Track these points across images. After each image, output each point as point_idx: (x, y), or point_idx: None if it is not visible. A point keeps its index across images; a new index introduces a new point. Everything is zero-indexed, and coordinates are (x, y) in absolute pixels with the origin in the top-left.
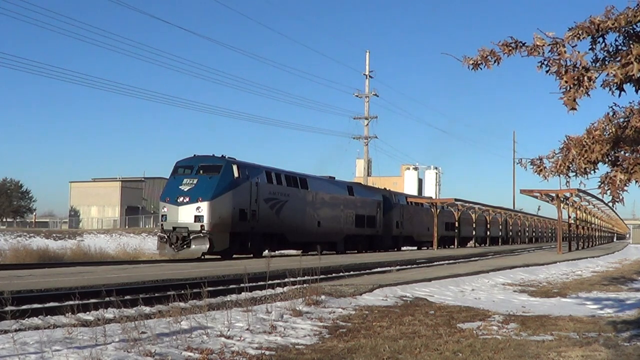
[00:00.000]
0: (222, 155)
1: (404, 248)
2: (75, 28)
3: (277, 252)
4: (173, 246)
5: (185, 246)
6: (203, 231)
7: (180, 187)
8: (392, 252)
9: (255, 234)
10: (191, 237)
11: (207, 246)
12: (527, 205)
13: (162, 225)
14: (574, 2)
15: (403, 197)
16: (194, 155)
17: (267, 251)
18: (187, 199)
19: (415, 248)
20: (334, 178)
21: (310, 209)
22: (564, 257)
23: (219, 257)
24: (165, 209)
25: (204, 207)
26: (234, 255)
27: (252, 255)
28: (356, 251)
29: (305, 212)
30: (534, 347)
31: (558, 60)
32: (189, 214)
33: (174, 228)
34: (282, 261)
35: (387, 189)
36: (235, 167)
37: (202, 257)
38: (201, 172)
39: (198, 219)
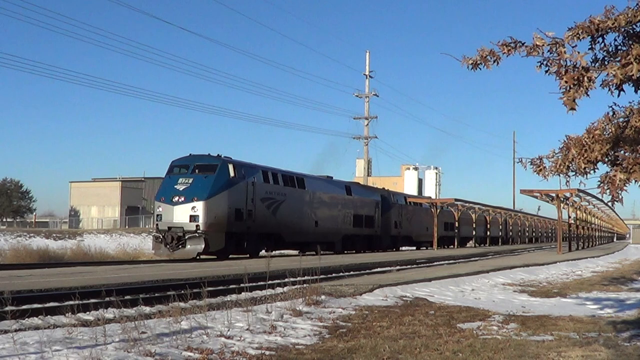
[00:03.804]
0: (218, 155)
1: (402, 248)
2: (75, 28)
3: (275, 252)
4: (168, 246)
5: (180, 246)
6: (198, 231)
7: (175, 186)
8: (391, 252)
9: (252, 234)
10: (186, 237)
11: (203, 246)
12: (527, 205)
13: (157, 225)
14: (574, 2)
15: (402, 197)
16: (190, 154)
17: (263, 251)
18: (183, 199)
19: (414, 248)
20: (332, 178)
21: (308, 209)
22: (564, 257)
23: (214, 257)
24: (161, 209)
25: (199, 207)
26: (230, 256)
27: (248, 256)
28: (354, 251)
29: (302, 212)
30: (534, 347)
31: (558, 60)
32: (184, 213)
33: (169, 228)
34: (282, 261)
35: (386, 188)
36: (231, 167)
37: (198, 257)
38: (197, 171)
39: (193, 218)
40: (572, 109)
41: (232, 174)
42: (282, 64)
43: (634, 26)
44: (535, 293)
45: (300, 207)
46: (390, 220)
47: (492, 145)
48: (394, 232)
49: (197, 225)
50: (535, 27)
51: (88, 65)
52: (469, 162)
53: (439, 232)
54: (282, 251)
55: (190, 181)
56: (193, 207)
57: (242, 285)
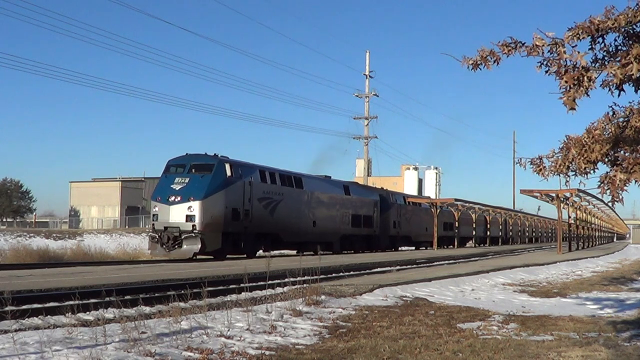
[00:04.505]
0: (215, 154)
1: (401, 248)
2: (75, 28)
3: (274, 252)
4: (164, 246)
5: (176, 246)
6: (195, 231)
7: (171, 186)
8: (391, 252)
9: (249, 234)
10: (183, 237)
11: (199, 246)
12: (527, 205)
13: (153, 225)
14: (574, 2)
15: (401, 197)
16: (186, 153)
17: (261, 251)
18: (179, 198)
19: (413, 248)
20: (330, 177)
21: (306, 209)
22: (564, 257)
23: (211, 257)
24: (157, 209)
25: (195, 207)
26: (228, 256)
27: (245, 256)
28: (352, 251)
29: (300, 212)
30: (534, 347)
31: (558, 60)
32: (180, 213)
33: (166, 228)
34: (282, 261)
35: (385, 188)
36: (227, 166)
37: (194, 257)
38: (193, 170)
39: (189, 218)
40: (572, 109)
41: (228, 173)
42: (282, 64)
43: (634, 26)
44: (535, 293)
45: (298, 207)
46: (389, 220)
47: (492, 145)
48: (393, 232)
49: (193, 225)
50: (535, 27)
51: (88, 65)
52: (469, 162)
53: (438, 232)
54: (283, 251)
55: (187, 181)
56: (189, 207)
57: (242, 285)
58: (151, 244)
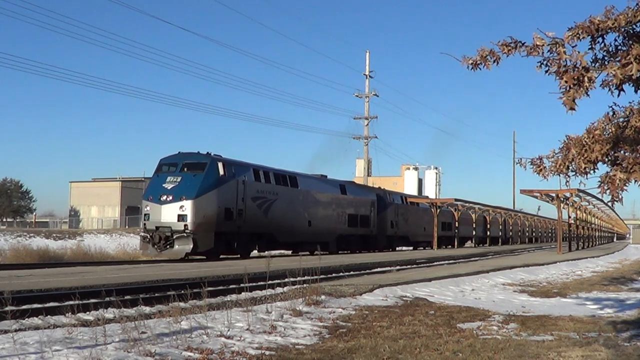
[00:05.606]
0: (208, 153)
1: (399, 248)
2: (75, 28)
3: (274, 252)
4: (156, 246)
5: (168, 246)
6: (187, 231)
7: (163, 185)
8: (390, 252)
9: (242, 234)
10: (174, 237)
11: (191, 246)
12: (527, 205)
13: (144, 224)
14: (574, 2)
15: (398, 197)
16: (179, 152)
17: (255, 251)
18: (171, 198)
19: (411, 248)
20: (326, 176)
21: (301, 208)
22: (564, 257)
23: (204, 257)
24: (148, 208)
25: (187, 206)
26: (221, 256)
27: (239, 256)
28: (349, 251)
29: (295, 211)
30: (534, 347)
31: (558, 60)
32: (172, 213)
33: (157, 227)
34: (281, 261)
35: (382, 187)
36: (220, 165)
37: (186, 257)
38: (185, 169)
39: (181, 218)
40: (572, 109)
41: (221, 172)
42: (282, 64)
43: (634, 26)
44: (535, 293)
45: (293, 207)
46: (386, 220)
47: (492, 145)
48: (390, 232)
49: (185, 225)
50: (535, 27)
51: (88, 65)
52: (469, 162)
53: (437, 232)
54: (281, 252)
55: (179, 180)
56: (181, 207)
57: (242, 285)
58: (142, 244)
